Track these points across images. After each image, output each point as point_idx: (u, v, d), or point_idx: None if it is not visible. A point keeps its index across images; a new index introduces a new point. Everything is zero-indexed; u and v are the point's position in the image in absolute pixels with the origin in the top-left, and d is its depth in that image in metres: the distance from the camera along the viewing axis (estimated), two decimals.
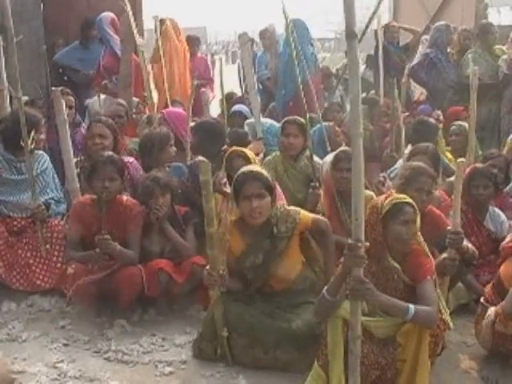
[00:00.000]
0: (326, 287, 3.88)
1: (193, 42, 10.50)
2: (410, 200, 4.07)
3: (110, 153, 5.56)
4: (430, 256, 4.17)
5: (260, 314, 4.52)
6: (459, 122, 7.53)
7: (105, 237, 5.05)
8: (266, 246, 4.62)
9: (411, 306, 3.78)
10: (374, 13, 8.07)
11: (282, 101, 8.73)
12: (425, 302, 3.89)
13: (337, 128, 7.68)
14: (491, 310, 4.37)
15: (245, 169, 4.74)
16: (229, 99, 8.93)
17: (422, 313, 3.80)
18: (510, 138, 7.08)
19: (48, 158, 6.05)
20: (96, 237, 5.07)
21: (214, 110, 9.10)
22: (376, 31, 9.64)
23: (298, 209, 4.78)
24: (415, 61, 9.85)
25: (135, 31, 7.58)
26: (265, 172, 4.73)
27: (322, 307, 3.93)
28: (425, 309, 3.83)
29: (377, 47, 9.46)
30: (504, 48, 9.49)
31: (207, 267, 4.42)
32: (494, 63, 9.18)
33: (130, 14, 7.58)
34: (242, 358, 4.51)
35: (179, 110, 7.51)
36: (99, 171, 5.25)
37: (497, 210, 5.63)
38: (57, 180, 6.09)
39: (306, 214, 4.75)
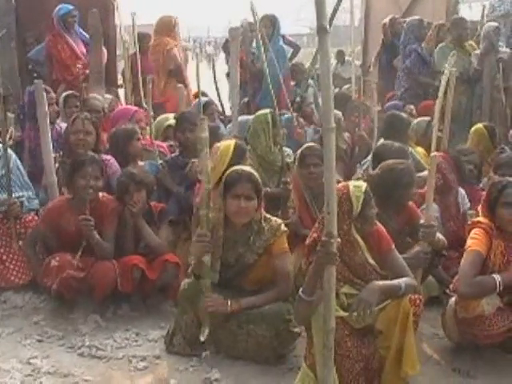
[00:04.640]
0: (301, 288, 3.82)
1: (143, 39, 10.21)
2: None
3: (92, 153, 5.57)
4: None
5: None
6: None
7: (89, 217, 5.08)
8: (241, 250, 4.57)
9: (401, 282, 3.90)
10: (336, 10, 8.02)
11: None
12: (400, 271, 4.02)
13: (301, 119, 7.73)
14: (451, 300, 4.46)
15: (239, 168, 4.66)
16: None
17: (408, 284, 3.93)
18: (472, 130, 7.16)
19: (15, 156, 6.04)
20: (80, 217, 5.08)
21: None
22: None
23: (282, 229, 4.62)
24: (407, 59, 9.91)
25: (124, 29, 7.52)
26: (256, 174, 4.64)
27: (300, 308, 3.88)
28: (407, 280, 3.96)
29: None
30: (473, 43, 9.57)
31: (198, 230, 4.40)
32: (465, 58, 9.26)
33: (117, 10, 7.53)
34: (220, 333, 4.50)
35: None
36: (84, 170, 5.24)
37: (461, 190, 5.75)
38: (26, 178, 6.05)
39: (284, 241, 4.61)
